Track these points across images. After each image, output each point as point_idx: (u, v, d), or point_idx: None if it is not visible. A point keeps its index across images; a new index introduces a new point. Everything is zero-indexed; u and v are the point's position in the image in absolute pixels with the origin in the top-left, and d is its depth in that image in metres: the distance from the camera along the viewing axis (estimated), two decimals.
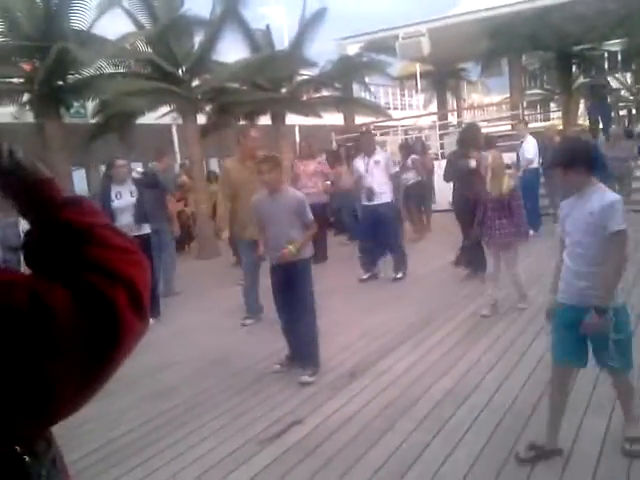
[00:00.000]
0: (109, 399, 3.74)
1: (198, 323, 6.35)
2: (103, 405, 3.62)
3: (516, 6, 15.36)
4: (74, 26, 9.86)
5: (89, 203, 0.99)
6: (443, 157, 13.90)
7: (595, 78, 16.14)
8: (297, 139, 17.12)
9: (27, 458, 0.87)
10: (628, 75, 22.47)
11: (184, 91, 10.70)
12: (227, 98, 11.82)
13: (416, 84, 27.18)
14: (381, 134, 15.85)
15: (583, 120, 18.87)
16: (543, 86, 23.69)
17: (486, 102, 31.63)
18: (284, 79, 13.47)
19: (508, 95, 18.36)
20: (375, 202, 7.41)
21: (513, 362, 4.28)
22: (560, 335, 2.96)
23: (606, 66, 20.92)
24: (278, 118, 13.33)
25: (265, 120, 13.41)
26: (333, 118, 16.36)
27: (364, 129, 13.15)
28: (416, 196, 10.39)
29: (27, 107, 10.06)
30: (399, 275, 7.47)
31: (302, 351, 4.47)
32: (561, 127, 16.03)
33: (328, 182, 9.17)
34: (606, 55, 20.46)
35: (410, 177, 10.25)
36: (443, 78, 22.72)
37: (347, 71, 14.57)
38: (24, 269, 0.94)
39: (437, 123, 16.69)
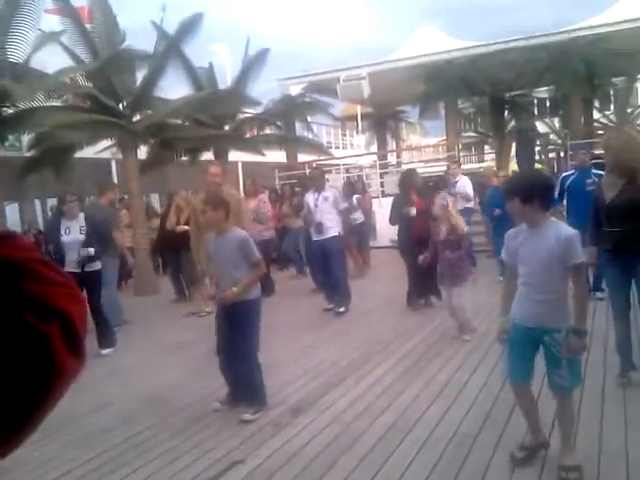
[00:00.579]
0: (36, 444, 3.54)
1: (136, 361, 6.14)
2: (30, 451, 3.42)
3: (450, 53, 16.14)
4: (10, 59, 9.63)
5: (22, 238, 0.95)
6: (384, 195, 14.23)
7: (522, 123, 17.03)
8: (240, 176, 17.15)
9: None
10: (556, 120, 23.78)
11: (125, 125, 10.57)
12: (169, 134, 11.75)
13: (357, 125, 27.88)
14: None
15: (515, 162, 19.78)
16: (477, 129, 24.75)
17: (424, 143, 32.73)
18: (227, 116, 13.55)
19: (445, 137, 19.05)
20: (323, 236, 7.55)
21: (453, 395, 4.32)
22: (515, 353, 3.08)
23: (536, 111, 22.10)
24: (221, 155, 13.33)
25: (208, 156, 13.39)
26: (276, 156, 16.51)
27: (314, 165, 13.33)
28: (358, 234, 10.58)
29: None
30: (342, 309, 7.52)
31: (243, 391, 4.38)
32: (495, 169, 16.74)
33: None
34: (535, 101, 21.64)
35: (358, 217, 10.46)
36: (383, 119, 23.43)
37: (290, 110, 14.82)
38: None
39: (377, 162, 17.12)
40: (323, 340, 6.29)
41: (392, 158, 23.98)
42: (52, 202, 13.66)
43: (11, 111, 9.87)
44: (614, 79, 19.07)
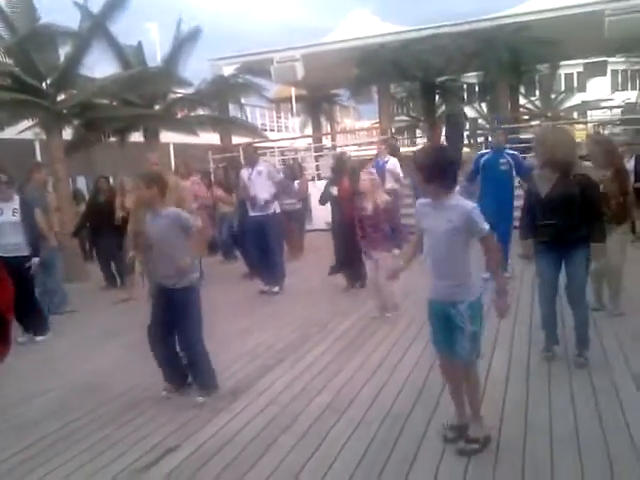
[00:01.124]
0: None
1: (67, 349, 5.96)
2: None
3: (384, 37, 16.27)
4: None
5: None
6: (319, 178, 14.27)
7: (451, 108, 17.45)
8: (172, 157, 16.74)
9: None
10: (484, 105, 24.49)
11: (48, 105, 10.07)
12: (96, 113, 11.27)
13: (291, 107, 27.74)
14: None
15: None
16: (410, 113, 25.17)
17: (358, 127, 32.98)
18: (157, 96, 13.14)
19: (378, 121, 19.27)
20: (260, 213, 7.53)
21: (387, 375, 4.43)
22: (434, 327, 3.26)
23: (465, 96, 22.68)
24: (151, 136, 12.94)
25: (138, 137, 12.97)
26: (210, 138, 16.21)
27: (246, 146, 13.15)
28: (297, 218, 10.57)
29: None
30: (276, 289, 7.55)
31: (194, 376, 4.34)
32: None
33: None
34: (465, 86, 22.17)
35: (294, 202, 10.41)
36: (317, 102, 23.39)
37: (222, 91, 14.53)
38: None
39: (312, 145, 17.13)
40: (259, 323, 6.30)
41: (327, 141, 24.05)
42: None
43: None
44: (538, 66, 19.82)
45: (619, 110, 21.59)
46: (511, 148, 7.76)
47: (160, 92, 13.09)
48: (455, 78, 18.92)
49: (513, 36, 15.18)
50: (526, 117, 22.26)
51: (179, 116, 14.10)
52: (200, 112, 14.30)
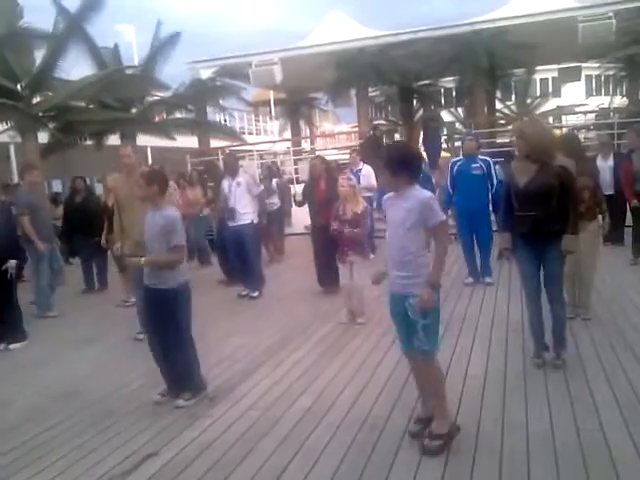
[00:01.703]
0: None
1: (45, 354, 5.87)
2: None
3: (362, 41, 16.36)
4: None
5: None
6: (298, 182, 14.29)
7: (427, 112, 17.61)
8: (149, 161, 16.62)
9: None
10: (461, 109, 24.75)
11: (23, 107, 9.95)
12: (71, 116, 11.18)
13: (270, 110, 27.71)
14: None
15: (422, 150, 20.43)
16: (388, 117, 25.33)
17: (337, 131, 33.08)
18: (134, 99, 13.07)
19: (357, 124, 19.34)
20: (237, 223, 7.54)
21: (366, 377, 4.46)
22: (395, 322, 3.35)
23: (442, 101, 22.87)
24: (128, 139, 12.83)
25: (114, 141, 12.86)
26: (188, 141, 16.12)
27: (227, 151, 13.09)
28: (278, 220, 10.56)
29: None
30: (255, 294, 7.56)
31: (182, 379, 4.29)
32: None
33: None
34: (442, 91, 22.37)
35: (275, 202, 10.41)
36: (296, 106, 23.44)
37: (200, 94, 14.49)
38: None
39: (291, 149, 17.14)
40: (238, 328, 6.28)
41: (306, 145, 24.09)
42: None
43: None
44: (515, 71, 20.10)
45: (593, 115, 21.97)
46: (488, 155, 7.84)
47: (137, 95, 13.01)
48: (433, 83, 19.12)
49: (490, 41, 15.39)
50: (502, 121, 22.53)
51: (157, 119, 14.02)
52: (178, 115, 14.24)
